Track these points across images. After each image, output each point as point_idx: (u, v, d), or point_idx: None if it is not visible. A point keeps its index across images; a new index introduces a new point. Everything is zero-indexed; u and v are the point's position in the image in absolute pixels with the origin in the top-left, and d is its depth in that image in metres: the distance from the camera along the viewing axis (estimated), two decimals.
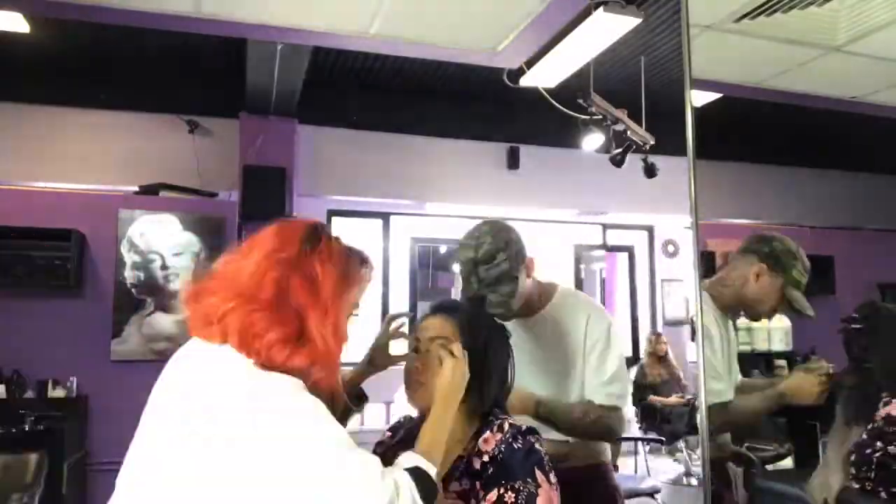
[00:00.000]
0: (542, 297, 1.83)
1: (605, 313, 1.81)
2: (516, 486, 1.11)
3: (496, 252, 1.67)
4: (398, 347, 1.45)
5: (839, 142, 6.32)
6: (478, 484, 1.13)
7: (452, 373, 1.16)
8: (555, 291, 1.85)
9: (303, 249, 1.07)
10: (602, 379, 1.69)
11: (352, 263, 1.13)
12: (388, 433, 1.36)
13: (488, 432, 1.18)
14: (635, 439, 5.00)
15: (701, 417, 2.06)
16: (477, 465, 1.15)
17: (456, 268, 7.50)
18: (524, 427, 1.18)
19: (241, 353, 1.00)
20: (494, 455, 1.14)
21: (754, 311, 1.96)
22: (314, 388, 1.03)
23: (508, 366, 1.30)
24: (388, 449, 1.32)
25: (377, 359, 1.47)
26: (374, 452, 1.31)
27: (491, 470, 1.14)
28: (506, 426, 1.18)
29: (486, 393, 1.23)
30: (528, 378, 1.69)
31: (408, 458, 1.05)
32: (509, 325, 1.64)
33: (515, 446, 1.15)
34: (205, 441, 0.94)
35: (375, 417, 6.25)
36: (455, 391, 1.15)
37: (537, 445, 1.16)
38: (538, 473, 1.13)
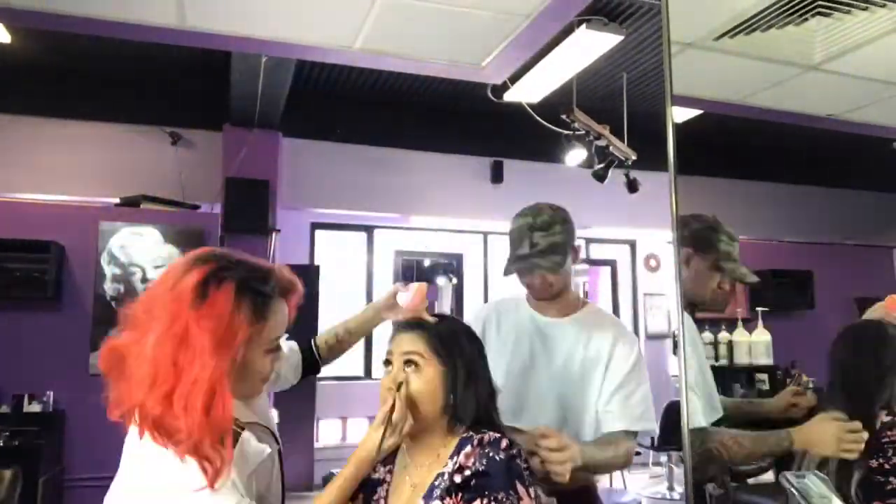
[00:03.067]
0: (576, 301, 1.78)
1: (633, 337, 1.76)
2: (499, 497, 1.11)
3: (554, 223, 1.67)
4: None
5: (817, 158, 6.43)
6: (459, 496, 1.13)
7: (366, 439, 1.20)
8: (587, 304, 1.81)
9: (191, 313, 1.05)
10: (630, 402, 1.63)
11: (242, 311, 1.08)
12: None
13: (468, 447, 1.18)
14: None
15: (684, 434, 2.07)
16: (458, 479, 1.14)
17: (440, 281, 7.46)
18: (504, 441, 1.18)
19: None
20: (476, 469, 1.14)
21: (703, 298, 1.87)
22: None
23: (482, 378, 1.28)
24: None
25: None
26: None
27: (473, 482, 1.13)
28: (485, 439, 1.18)
29: (463, 408, 1.23)
30: (543, 384, 1.67)
31: None
32: (540, 324, 1.73)
33: (497, 458, 1.14)
34: None
35: (358, 432, 6.21)
36: (361, 458, 1.19)
37: (518, 459, 1.16)
38: (519, 487, 1.13)
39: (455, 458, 1.18)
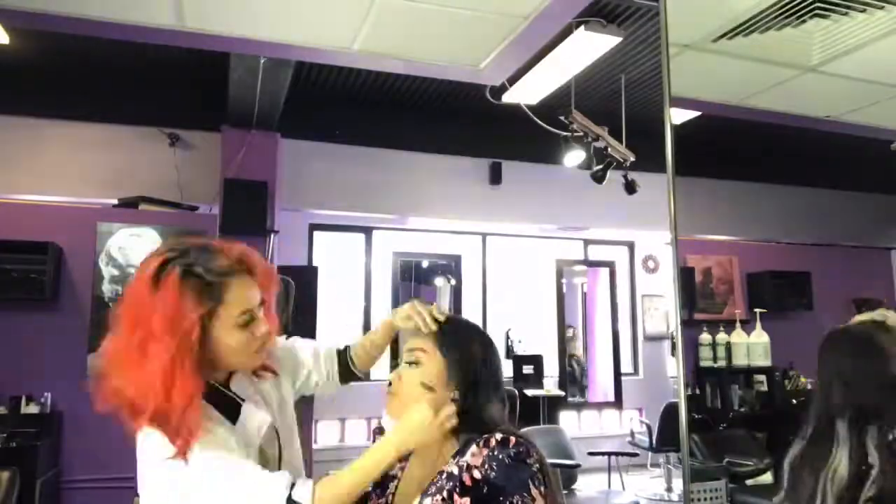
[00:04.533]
0: None
1: None
2: (514, 500, 1.10)
3: None
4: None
5: (815, 160, 6.45)
6: (465, 500, 1.12)
7: (419, 418, 1.17)
8: None
9: (148, 301, 1.16)
10: None
11: (188, 295, 1.15)
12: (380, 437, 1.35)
13: (474, 446, 1.16)
14: (609, 454, 4.99)
15: (682, 431, 2.07)
16: (467, 480, 1.13)
17: (439, 282, 7.46)
18: (512, 439, 1.16)
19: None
20: (486, 474, 1.12)
21: None
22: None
23: (486, 380, 1.26)
24: None
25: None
26: None
27: (485, 489, 1.12)
28: (492, 441, 1.16)
29: (467, 406, 1.21)
30: None
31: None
32: None
33: (507, 462, 1.13)
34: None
35: (357, 434, 6.20)
36: (413, 436, 1.16)
37: (528, 458, 1.15)
38: (532, 489, 1.12)
39: (458, 457, 1.17)
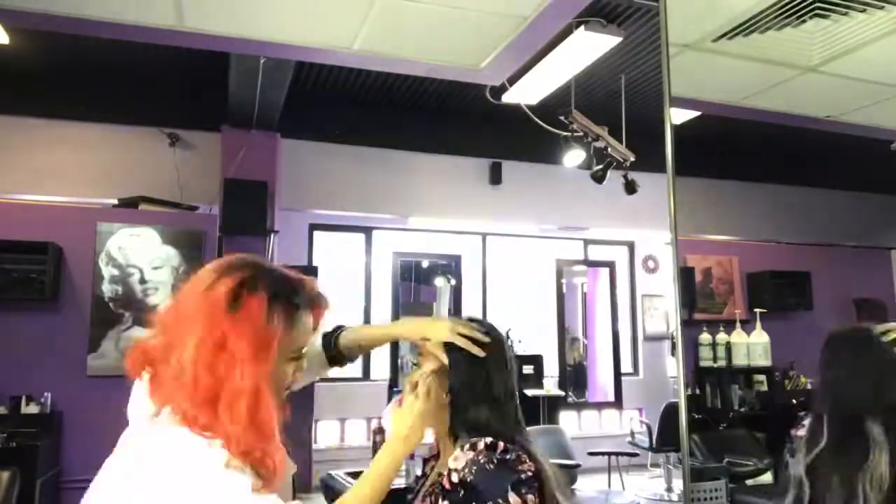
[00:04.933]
0: None
1: None
2: None
3: None
4: None
5: (815, 159, 6.45)
6: (446, 502, 1.11)
7: (408, 415, 1.17)
8: None
9: (226, 320, 1.04)
10: None
11: (275, 318, 1.07)
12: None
13: (458, 450, 1.15)
14: (608, 454, 4.98)
15: (682, 431, 2.07)
16: (446, 483, 1.12)
17: (439, 282, 7.45)
18: (500, 445, 1.14)
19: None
20: (463, 477, 1.11)
21: None
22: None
23: (501, 388, 1.25)
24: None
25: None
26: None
27: (461, 493, 1.11)
28: (480, 445, 1.14)
29: (471, 415, 1.20)
30: None
31: None
32: None
33: (488, 467, 1.11)
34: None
35: (357, 435, 6.20)
36: (406, 436, 1.16)
37: (519, 465, 1.12)
38: (512, 495, 1.09)
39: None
